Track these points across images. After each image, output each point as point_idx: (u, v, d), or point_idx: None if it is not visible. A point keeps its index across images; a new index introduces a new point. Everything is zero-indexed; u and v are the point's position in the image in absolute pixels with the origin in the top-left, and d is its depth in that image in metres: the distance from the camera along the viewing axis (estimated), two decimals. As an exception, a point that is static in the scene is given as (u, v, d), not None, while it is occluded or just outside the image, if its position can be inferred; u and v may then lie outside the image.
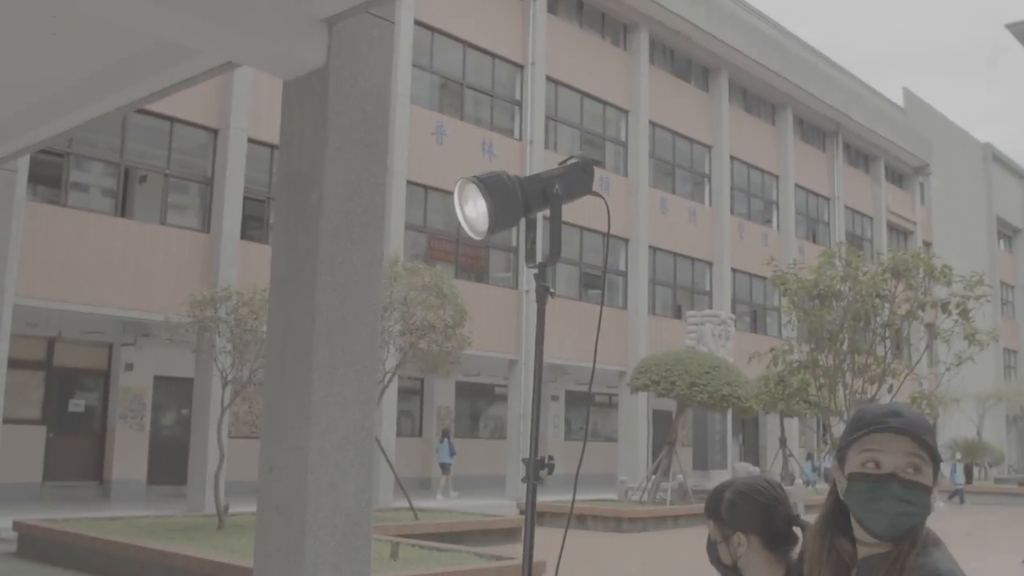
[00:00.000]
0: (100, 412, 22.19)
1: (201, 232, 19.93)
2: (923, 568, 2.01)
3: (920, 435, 2.03)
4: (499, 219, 2.89)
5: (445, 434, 26.54)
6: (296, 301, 4.85)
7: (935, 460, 2.06)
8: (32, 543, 13.65)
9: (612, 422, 32.34)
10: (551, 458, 3.14)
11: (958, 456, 33.52)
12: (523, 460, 3.12)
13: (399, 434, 23.95)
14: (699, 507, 3.63)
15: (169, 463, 22.01)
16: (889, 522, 2.04)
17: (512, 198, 2.91)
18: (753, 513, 2.73)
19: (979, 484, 34.29)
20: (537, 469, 3.12)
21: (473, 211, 2.93)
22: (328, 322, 4.75)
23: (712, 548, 2.80)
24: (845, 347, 8.51)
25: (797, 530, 2.76)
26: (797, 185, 38.32)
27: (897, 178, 47.44)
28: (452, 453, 25.84)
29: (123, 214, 19.41)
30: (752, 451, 37.35)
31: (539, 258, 3.13)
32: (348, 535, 4.77)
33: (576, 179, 3.05)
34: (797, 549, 2.71)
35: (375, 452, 6.66)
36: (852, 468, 2.08)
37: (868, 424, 2.06)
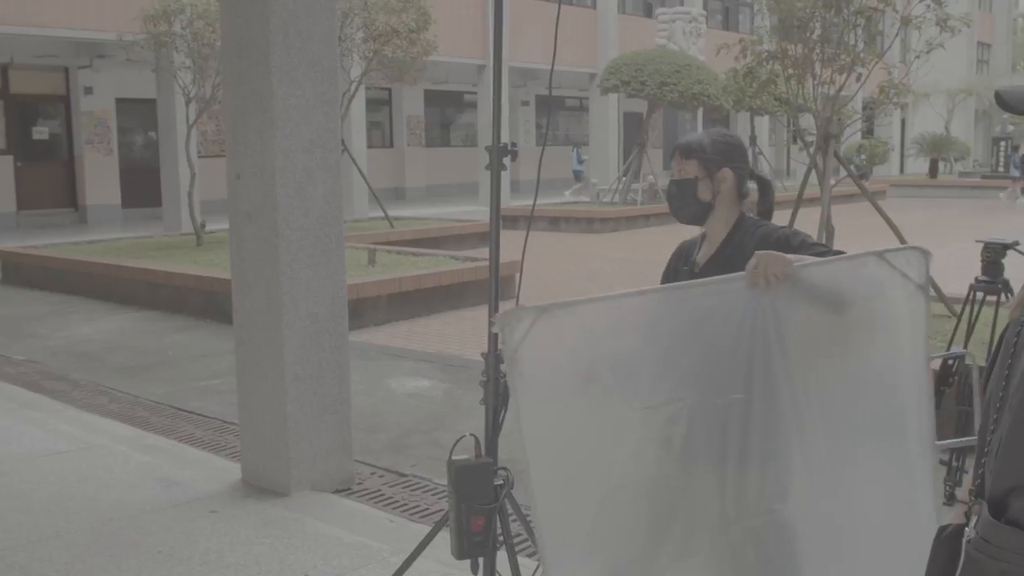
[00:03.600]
0: (65, 138, 21.89)
1: (147, -57, 18.90)
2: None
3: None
4: None
5: (575, 147, 28.86)
6: (248, 3, 4.67)
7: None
8: (16, 270, 13.86)
9: (583, 126, 32.27)
10: (514, 144, 3.15)
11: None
12: (486, 148, 3.13)
13: (370, 145, 23.88)
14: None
15: (141, 186, 21.98)
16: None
17: None
18: (735, 154, 2.90)
19: (944, 178, 34.83)
20: (501, 156, 3.14)
21: None
22: (283, 21, 4.60)
23: (687, 186, 2.87)
24: (815, 36, 8.33)
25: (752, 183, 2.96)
26: None
27: None
28: (580, 161, 27.70)
29: (61, -74, 18.30)
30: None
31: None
32: (321, 237, 4.84)
33: None
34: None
35: (345, 161, 6.65)
36: None
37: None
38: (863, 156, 30.40)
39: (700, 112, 25.13)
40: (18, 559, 4.08)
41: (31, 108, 21.53)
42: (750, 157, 28.24)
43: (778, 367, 2.55)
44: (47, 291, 12.67)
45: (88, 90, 21.46)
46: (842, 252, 2.68)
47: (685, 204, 2.88)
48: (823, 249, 2.71)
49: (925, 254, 2.51)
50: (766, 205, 2.98)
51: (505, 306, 2.81)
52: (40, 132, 21.56)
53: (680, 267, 2.96)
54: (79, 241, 15.66)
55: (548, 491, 2.68)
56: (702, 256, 2.91)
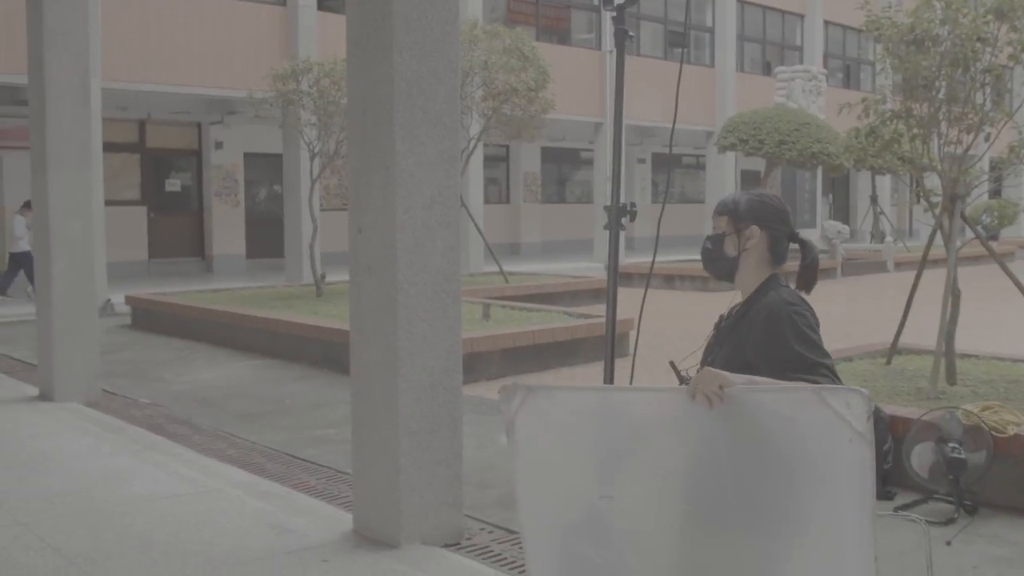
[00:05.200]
0: (196, 191, 22.80)
1: (277, 5, 19.68)
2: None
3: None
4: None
5: None
6: (373, 63, 4.81)
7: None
8: (145, 315, 14.41)
9: (700, 184, 32.10)
10: (633, 204, 3.16)
11: None
12: (605, 207, 3.14)
13: (487, 201, 24.18)
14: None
15: (265, 237, 22.70)
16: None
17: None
18: (769, 213, 2.93)
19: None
20: (620, 215, 3.14)
21: None
22: (407, 82, 4.72)
23: (716, 241, 2.95)
24: (941, 95, 8.12)
25: (795, 246, 2.99)
26: (896, -74, 35.89)
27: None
28: None
29: (198, -10, 19.21)
30: (842, 210, 36.90)
31: (617, -1, 3.05)
32: (438, 292, 4.90)
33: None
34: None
35: (462, 216, 6.76)
36: None
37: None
38: (993, 217, 29.40)
39: (819, 171, 24.74)
40: (137, 599, 4.19)
41: (165, 161, 22.51)
42: (871, 216, 27.62)
43: (712, 488, 2.61)
44: (173, 336, 13.13)
45: (219, 144, 22.35)
46: (806, 379, 2.63)
47: (713, 259, 2.97)
48: (808, 359, 2.68)
49: (866, 398, 2.38)
50: (805, 271, 2.97)
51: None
52: (172, 184, 22.51)
53: (719, 322, 3.05)
54: (204, 289, 16.22)
55: (533, 535, 2.98)
56: (733, 314, 2.98)
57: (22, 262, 16.37)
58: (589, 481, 2.82)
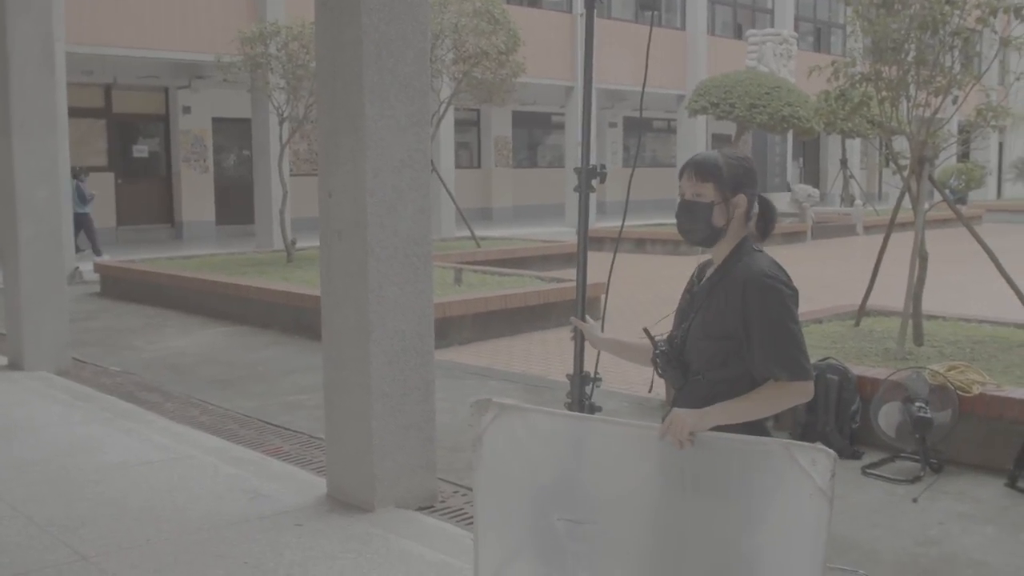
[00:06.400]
0: (164, 156, 22.55)
1: (245, -33, 19.42)
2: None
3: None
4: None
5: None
6: (342, 25, 4.76)
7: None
8: (113, 283, 14.30)
9: (671, 147, 32.11)
10: (603, 166, 3.16)
11: None
12: (575, 169, 3.14)
13: (458, 165, 24.10)
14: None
15: (235, 203, 22.53)
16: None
17: None
18: (748, 178, 2.83)
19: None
20: (590, 177, 3.14)
21: None
22: (376, 44, 4.68)
23: (703, 209, 2.79)
24: (910, 58, 8.15)
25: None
26: None
27: None
28: None
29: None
30: (812, 174, 37.06)
31: (585, -39, 3.03)
32: (409, 256, 4.89)
33: None
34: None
35: (433, 181, 6.72)
36: None
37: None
38: (960, 180, 29.64)
39: (790, 134, 24.80)
40: (110, 565, 4.19)
41: (132, 127, 22.24)
42: (841, 180, 27.79)
43: (672, 525, 2.67)
44: (143, 304, 13.04)
45: (186, 109, 22.09)
46: (778, 372, 2.65)
47: (697, 228, 2.81)
48: (777, 332, 2.65)
49: (832, 458, 2.43)
50: (765, 227, 2.89)
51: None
52: (140, 150, 22.26)
53: (692, 287, 2.94)
54: (174, 256, 16.10)
55: (487, 544, 3.07)
56: (706, 278, 2.88)
57: (81, 223, 17.73)
58: (549, 503, 2.87)
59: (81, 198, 17.83)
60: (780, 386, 2.65)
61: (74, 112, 17.61)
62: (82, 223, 17.80)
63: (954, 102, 8.04)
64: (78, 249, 17.73)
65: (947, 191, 28.57)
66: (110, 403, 7.24)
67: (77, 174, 17.84)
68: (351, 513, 4.82)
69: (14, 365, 8.43)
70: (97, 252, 17.75)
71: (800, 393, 2.67)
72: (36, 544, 4.41)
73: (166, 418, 6.84)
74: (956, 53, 8.16)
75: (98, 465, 5.62)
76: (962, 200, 30.85)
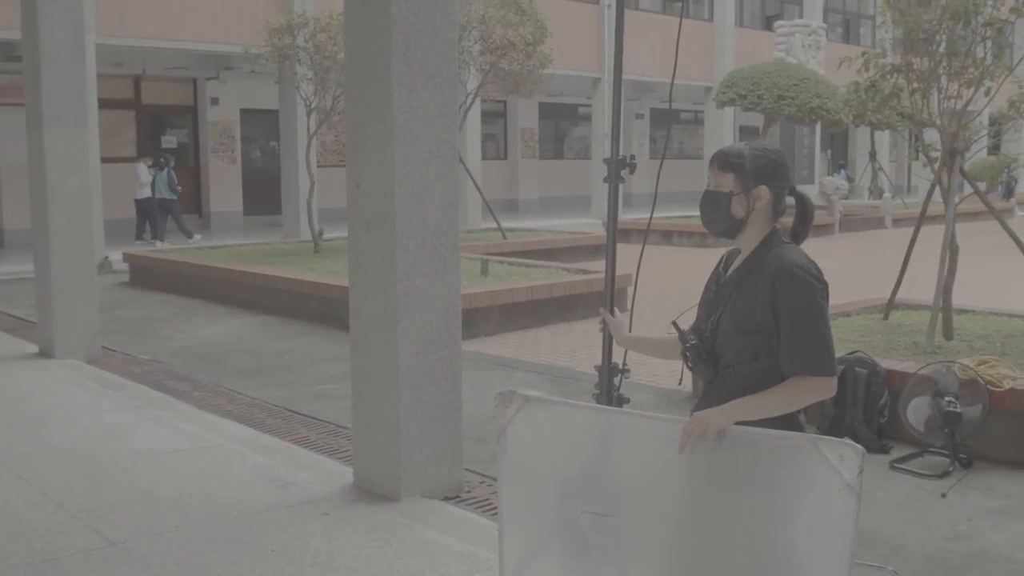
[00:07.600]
0: (192, 147, 22.69)
1: (273, -42, 19.48)
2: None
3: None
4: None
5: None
6: (371, 15, 4.77)
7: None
8: (143, 273, 14.41)
9: (698, 139, 31.98)
10: (633, 156, 3.14)
11: None
12: (604, 160, 3.13)
13: (484, 157, 24.09)
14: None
15: (262, 194, 22.63)
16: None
17: None
18: (774, 171, 2.78)
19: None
20: (619, 168, 3.13)
21: None
22: (404, 34, 4.68)
23: (722, 200, 2.77)
24: (942, 49, 8.07)
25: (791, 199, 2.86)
26: None
27: None
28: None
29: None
30: (840, 165, 36.78)
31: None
32: (437, 247, 4.90)
33: None
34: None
35: (460, 172, 6.71)
36: None
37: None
38: (1014, 171, 29.08)
39: (818, 126, 24.61)
40: (140, 551, 4.23)
41: (161, 118, 22.39)
42: (870, 172, 27.55)
43: (699, 519, 2.66)
44: (171, 294, 13.14)
45: (215, 101, 22.21)
46: (800, 367, 2.62)
47: (717, 217, 2.80)
48: (802, 325, 2.62)
49: (860, 453, 2.41)
50: (801, 225, 2.86)
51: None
52: (168, 141, 22.40)
53: (718, 278, 2.90)
54: (202, 246, 16.19)
55: (512, 535, 3.07)
56: (732, 269, 2.85)
57: (144, 209, 19.06)
58: (573, 496, 2.87)
59: (171, 186, 18.73)
60: (802, 381, 2.62)
61: (104, 103, 17.74)
62: (170, 209, 18.88)
63: (986, 94, 7.96)
64: (154, 237, 18.70)
65: (1000, 184, 27.54)
66: (139, 391, 7.30)
67: (167, 162, 18.84)
68: (377, 502, 4.84)
69: (45, 353, 8.52)
70: (188, 235, 18.57)
71: (822, 389, 2.64)
72: (66, 530, 4.46)
73: (194, 407, 6.89)
74: (989, 44, 8.07)
75: (127, 453, 5.67)
76: (1012, 192, 30.48)
